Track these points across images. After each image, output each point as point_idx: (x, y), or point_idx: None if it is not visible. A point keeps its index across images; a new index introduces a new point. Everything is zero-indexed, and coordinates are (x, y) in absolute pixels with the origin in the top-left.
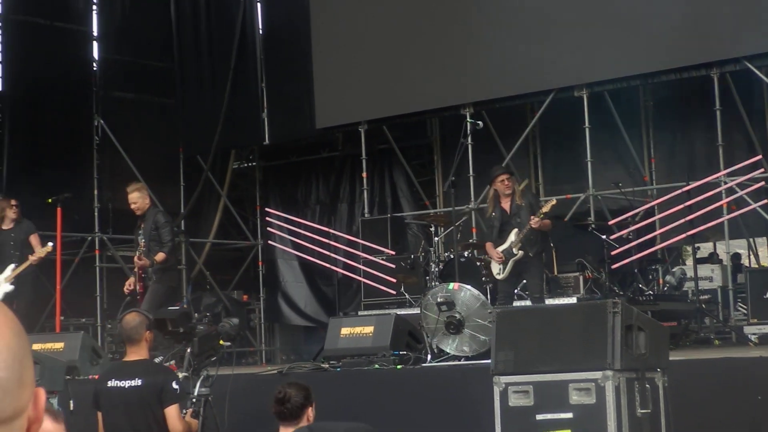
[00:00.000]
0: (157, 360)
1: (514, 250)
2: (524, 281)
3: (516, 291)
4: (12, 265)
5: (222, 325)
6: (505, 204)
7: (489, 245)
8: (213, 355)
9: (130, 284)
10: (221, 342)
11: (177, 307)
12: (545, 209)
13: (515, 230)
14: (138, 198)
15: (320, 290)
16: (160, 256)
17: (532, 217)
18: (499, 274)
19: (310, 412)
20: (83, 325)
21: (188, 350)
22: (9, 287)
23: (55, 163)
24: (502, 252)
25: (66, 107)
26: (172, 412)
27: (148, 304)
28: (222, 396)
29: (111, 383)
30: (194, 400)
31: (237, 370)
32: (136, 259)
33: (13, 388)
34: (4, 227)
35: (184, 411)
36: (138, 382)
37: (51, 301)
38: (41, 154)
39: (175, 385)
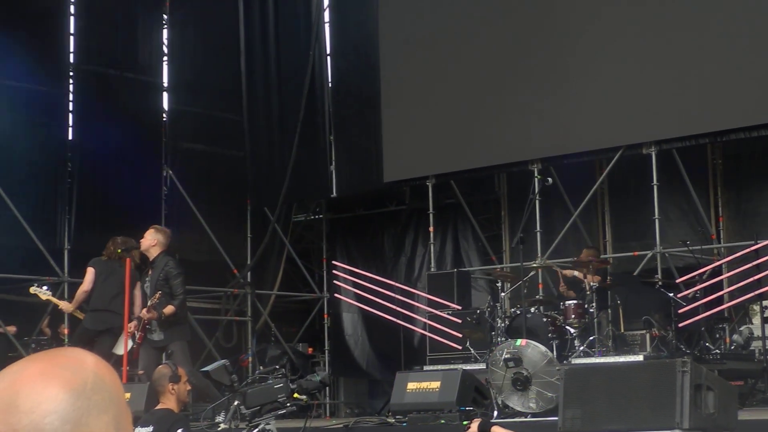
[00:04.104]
0: None
1: None
2: None
3: (582, 348)
4: None
5: (306, 379)
6: None
7: None
8: (278, 409)
9: (133, 326)
10: (296, 396)
11: (220, 362)
12: None
13: None
14: (148, 235)
15: (385, 344)
16: (169, 309)
17: None
18: None
19: None
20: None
21: (235, 402)
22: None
23: (124, 213)
24: None
25: (135, 158)
26: None
27: (185, 366)
28: None
29: (135, 430)
30: None
31: (299, 424)
32: (144, 312)
33: None
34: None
35: None
36: (149, 428)
37: None
38: (110, 204)
39: None
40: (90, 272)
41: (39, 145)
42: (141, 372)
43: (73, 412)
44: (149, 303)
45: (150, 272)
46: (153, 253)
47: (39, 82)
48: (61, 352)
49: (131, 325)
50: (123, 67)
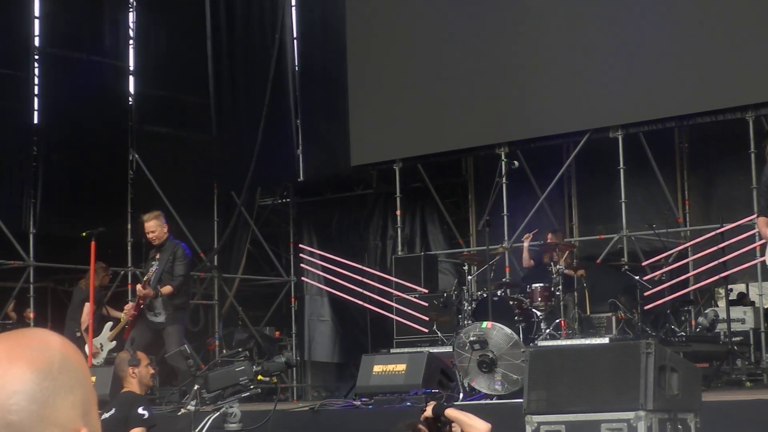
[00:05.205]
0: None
1: None
2: None
3: (548, 330)
4: (109, 323)
5: (270, 361)
6: None
7: (761, 222)
8: (241, 391)
9: (128, 308)
10: (260, 378)
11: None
12: None
13: None
14: (156, 227)
15: (352, 327)
16: (166, 289)
17: None
18: None
19: None
20: (114, 359)
21: (196, 386)
22: (112, 344)
23: (89, 197)
24: None
25: (101, 141)
26: None
27: (174, 347)
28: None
29: (101, 415)
30: None
31: (267, 407)
32: (139, 287)
33: (30, 430)
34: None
35: None
36: (112, 411)
37: None
38: (75, 188)
39: (141, 411)
40: None
41: (4, 128)
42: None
43: (39, 392)
44: (144, 279)
45: (158, 255)
46: (163, 239)
47: (4, 66)
48: (27, 333)
49: (128, 307)
50: (89, 50)
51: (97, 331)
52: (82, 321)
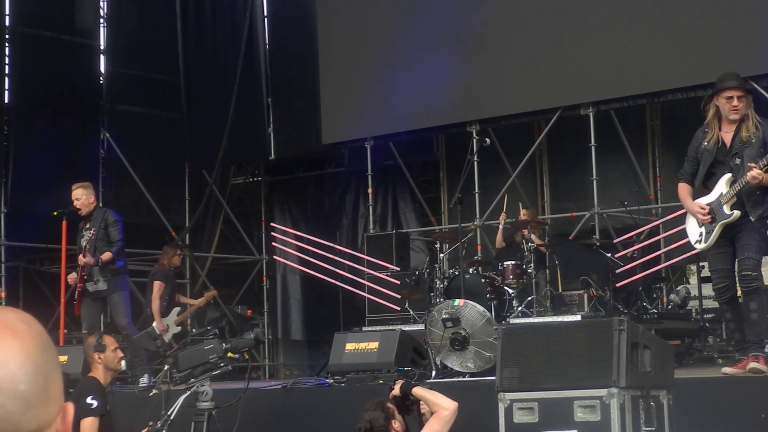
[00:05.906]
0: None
1: (726, 209)
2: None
3: (520, 308)
4: (178, 308)
5: (239, 338)
6: (727, 133)
7: (683, 189)
8: (211, 369)
9: (71, 278)
10: (230, 355)
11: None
12: None
13: (727, 176)
14: (81, 195)
15: (324, 305)
16: (106, 255)
17: (751, 165)
18: (699, 242)
19: (395, 423)
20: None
21: (165, 366)
22: (177, 329)
23: (61, 176)
24: (708, 206)
25: (72, 120)
26: (83, 425)
27: (124, 317)
28: (229, 410)
29: None
30: (170, 418)
31: (239, 385)
32: (80, 257)
33: (36, 402)
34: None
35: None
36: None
37: (55, 314)
38: (46, 167)
39: (89, 401)
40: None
41: None
42: (85, 332)
43: (42, 364)
44: (82, 245)
45: (87, 225)
46: (91, 209)
47: None
48: (6, 309)
49: (70, 277)
50: (60, 29)
51: (166, 312)
52: (152, 298)
